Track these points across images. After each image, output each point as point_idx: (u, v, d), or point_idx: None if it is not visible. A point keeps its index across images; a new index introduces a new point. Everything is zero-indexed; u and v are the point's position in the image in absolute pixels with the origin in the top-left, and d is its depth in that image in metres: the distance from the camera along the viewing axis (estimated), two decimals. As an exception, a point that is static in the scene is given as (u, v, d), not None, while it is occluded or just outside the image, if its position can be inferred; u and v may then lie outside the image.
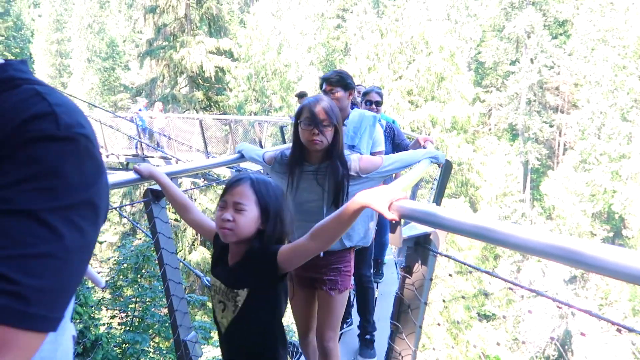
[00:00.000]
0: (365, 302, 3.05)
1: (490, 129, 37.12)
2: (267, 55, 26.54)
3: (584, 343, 22.18)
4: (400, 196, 1.25)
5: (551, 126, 35.68)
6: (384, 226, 3.70)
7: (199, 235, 15.19)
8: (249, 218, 1.39)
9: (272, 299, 1.45)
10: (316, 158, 1.98)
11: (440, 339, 17.29)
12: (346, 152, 2.00)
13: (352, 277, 2.91)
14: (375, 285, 4.12)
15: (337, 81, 2.68)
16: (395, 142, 3.82)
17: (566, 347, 23.32)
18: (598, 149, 29.51)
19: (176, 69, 19.32)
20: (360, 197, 1.25)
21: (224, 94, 21.09)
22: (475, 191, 27.05)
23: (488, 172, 28.32)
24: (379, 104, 3.75)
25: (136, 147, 13.71)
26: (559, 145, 36.11)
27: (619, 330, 1.01)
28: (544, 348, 23.56)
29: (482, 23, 38.99)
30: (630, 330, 1.02)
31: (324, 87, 2.73)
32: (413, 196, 5.34)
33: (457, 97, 24.63)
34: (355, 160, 1.97)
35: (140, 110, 14.14)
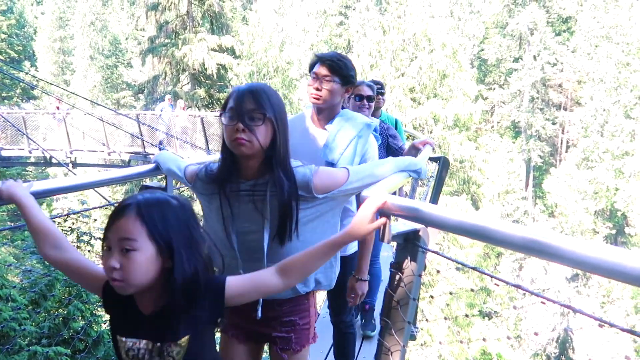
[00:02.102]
0: (345, 351, 2.52)
1: (492, 127, 37.06)
2: (269, 52, 26.55)
3: (585, 340, 22.18)
4: (382, 201, 1.28)
5: (554, 123, 35.61)
6: (373, 255, 2.69)
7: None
8: (142, 260, 1.01)
9: (212, 336, 1.18)
10: (251, 171, 1.42)
11: (442, 336, 17.33)
12: (295, 162, 1.46)
13: (332, 325, 2.43)
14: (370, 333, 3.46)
15: (337, 68, 1.93)
16: (390, 147, 3.14)
17: (567, 344, 23.32)
18: (601, 146, 29.44)
19: (178, 67, 19.40)
20: (351, 231, 1.21)
21: (225, 91, 21.14)
22: (477, 189, 27.05)
23: (490, 169, 28.32)
24: (370, 99, 2.87)
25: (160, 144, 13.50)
26: (561, 143, 36.03)
27: (599, 326, 1.02)
28: (544, 346, 23.57)
29: (485, 20, 38.90)
30: (611, 325, 1.03)
31: (316, 68, 1.97)
32: (412, 194, 5.34)
33: (459, 94, 24.59)
34: (306, 175, 1.42)
35: (163, 109, 13.99)
